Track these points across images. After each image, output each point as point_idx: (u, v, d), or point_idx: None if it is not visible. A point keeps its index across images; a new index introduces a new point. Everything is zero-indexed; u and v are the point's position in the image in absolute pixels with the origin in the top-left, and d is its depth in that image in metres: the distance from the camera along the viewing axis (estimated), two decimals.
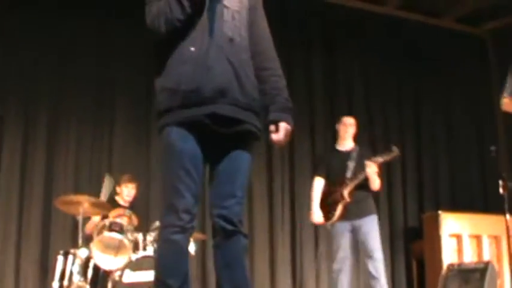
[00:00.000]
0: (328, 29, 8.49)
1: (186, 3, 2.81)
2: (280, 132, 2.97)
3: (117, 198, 6.53)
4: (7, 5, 6.87)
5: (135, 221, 5.99)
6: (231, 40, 2.91)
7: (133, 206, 6.46)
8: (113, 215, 5.74)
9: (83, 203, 5.56)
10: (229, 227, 2.85)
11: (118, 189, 6.56)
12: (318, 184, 6.04)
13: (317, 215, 5.93)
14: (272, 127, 2.98)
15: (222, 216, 2.85)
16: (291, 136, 3.04)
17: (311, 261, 7.68)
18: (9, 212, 6.66)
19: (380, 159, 5.86)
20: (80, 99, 7.09)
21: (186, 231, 2.80)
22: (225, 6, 2.94)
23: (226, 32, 2.90)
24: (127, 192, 6.52)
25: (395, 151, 5.92)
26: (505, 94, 4.37)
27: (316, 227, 7.40)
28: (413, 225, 8.20)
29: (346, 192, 5.82)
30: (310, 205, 6.06)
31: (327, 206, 5.90)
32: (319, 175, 6.09)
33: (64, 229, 6.71)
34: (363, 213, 5.83)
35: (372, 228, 5.80)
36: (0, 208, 6.64)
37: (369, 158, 5.86)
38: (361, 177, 5.81)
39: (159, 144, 2.94)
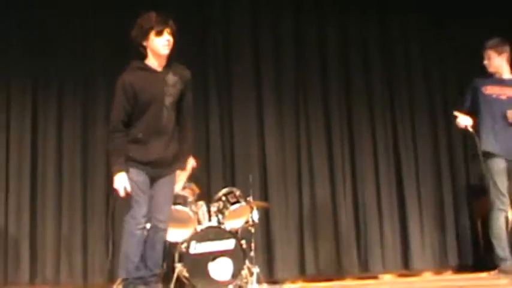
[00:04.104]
0: None
1: None
2: None
3: None
4: None
5: (197, 192, 6.01)
6: None
7: (193, 177, 6.45)
8: None
9: None
10: None
11: None
12: None
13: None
14: None
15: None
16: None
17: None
18: (74, 190, 6.84)
19: None
20: None
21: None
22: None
23: None
24: None
25: None
26: None
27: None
28: (476, 183, 8.04)
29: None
30: None
31: None
32: None
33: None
34: None
35: None
36: (65, 185, 6.81)
37: None
38: None
39: None
